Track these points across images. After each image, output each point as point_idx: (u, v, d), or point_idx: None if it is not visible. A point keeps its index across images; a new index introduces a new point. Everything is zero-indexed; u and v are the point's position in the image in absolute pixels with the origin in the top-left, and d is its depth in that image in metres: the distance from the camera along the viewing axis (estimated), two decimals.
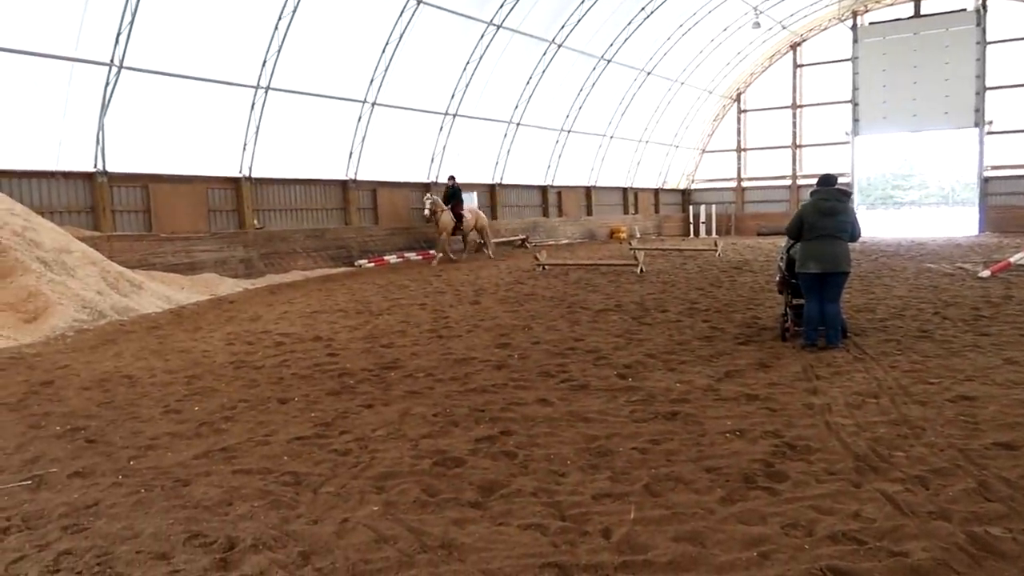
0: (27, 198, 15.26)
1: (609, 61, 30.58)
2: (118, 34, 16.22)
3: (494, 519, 4.08)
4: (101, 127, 16.65)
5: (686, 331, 9.68)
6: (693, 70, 35.84)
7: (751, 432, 5.36)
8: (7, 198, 13.37)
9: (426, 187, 26.38)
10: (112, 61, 16.35)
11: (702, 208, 40.81)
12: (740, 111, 41.32)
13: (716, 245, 23.97)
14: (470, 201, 28.76)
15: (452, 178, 22.67)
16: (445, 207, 21.62)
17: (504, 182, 30.26)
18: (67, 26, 15.59)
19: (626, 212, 38.76)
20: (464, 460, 4.98)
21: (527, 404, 6.33)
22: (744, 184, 41.63)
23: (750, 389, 6.57)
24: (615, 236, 36.45)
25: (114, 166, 17.11)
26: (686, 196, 43.43)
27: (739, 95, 41.06)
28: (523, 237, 30.14)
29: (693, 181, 43.41)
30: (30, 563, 3.68)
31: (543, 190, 32.90)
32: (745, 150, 41.48)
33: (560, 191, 33.79)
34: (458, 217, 21.82)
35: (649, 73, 33.36)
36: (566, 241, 33.06)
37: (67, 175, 16.51)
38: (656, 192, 41.25)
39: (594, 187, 35.91)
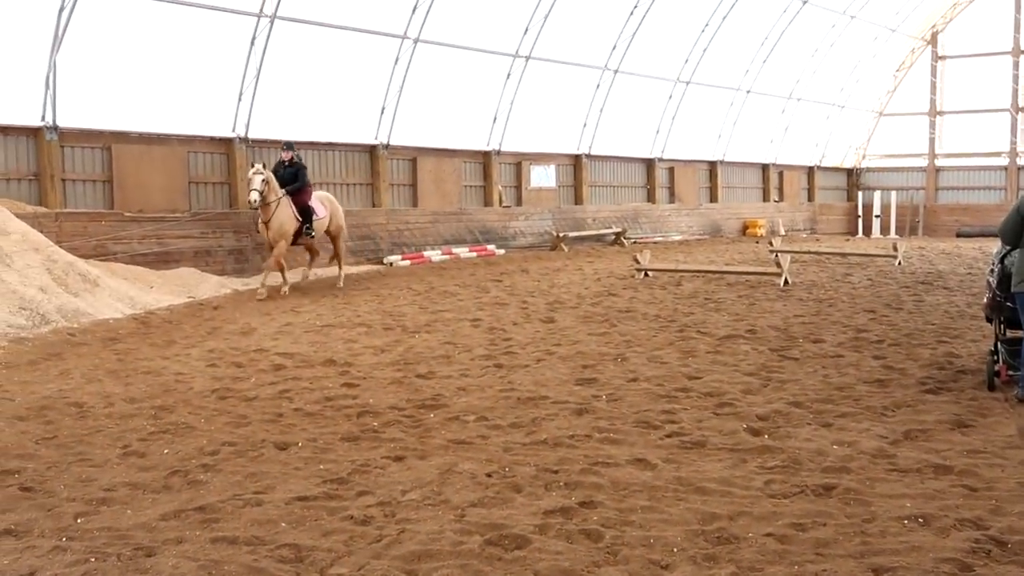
0: None
1: None
2: None
3: None
4: (52, 67, 17.31)
5: (849, 371, 9.51)
6: None
7: (940, 519, 5.23)
8: None
9: (485, 156, 26.62)
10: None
11: (876, 196, 39.95)
12: (936, 58, 40.44)
13: (896, 249, 23.48)
14: (546, 178, 28.95)
15: (290, 146, 17.70)
16: (280, 194, 16.55)
17: (594, 152, 30.23)
18: None
19: (766, 199, 38.33)
20: (528, 540, 4.99)
21: (618, 465, 6.31)
22: (939, 163, 40.71)
23: (940, 457, 6.41)
24: (750, 232, 36.08)
25: (67, 121, 17.78)
26: (853, 178, 42.71)
27: (935, 35, 40.19)
28: (618, 231, 30.08)
29: (864, 157, 42.68)
30: None
31: (649, 165, 32.77)
32: (941, 113, 40.59)
33: (672, 167, 33.61)
34: (304, 212, 16.89)
35: (805, 2, 32.90)
36: (679, 237, 32.87)
37: (4, 130, 17.21)
38: (810, 171, 40.68)
39: (721, 162, 35.61)
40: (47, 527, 5.23)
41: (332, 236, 18.23)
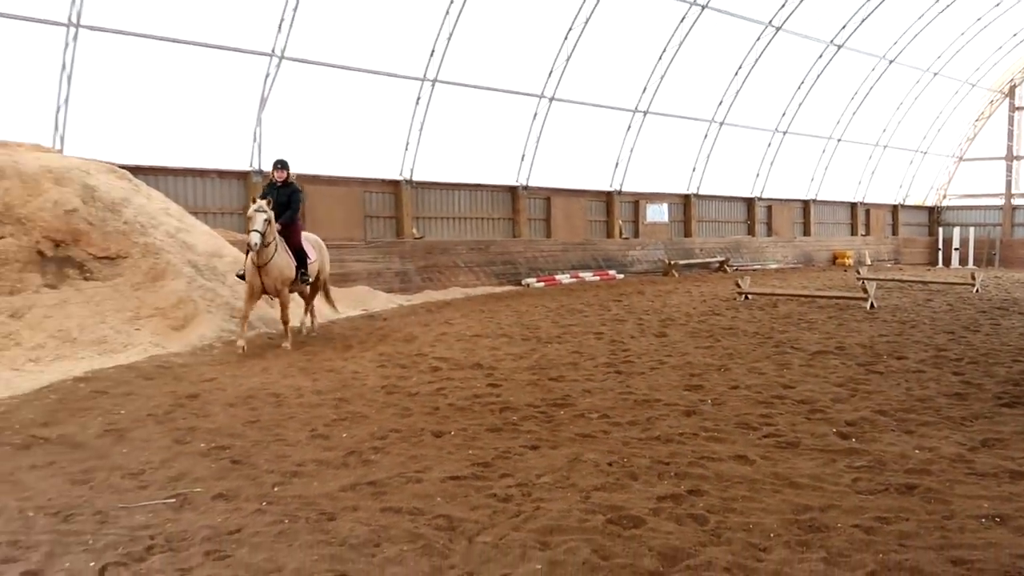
0: (181, 197, 16.93)
1: (840, 46, 29.51)
2: (280, 22, 17.67)
3: None
4: (259, 123, 18.19)
5: (930, 385, 9.08)
6: (950, 57, 33.79)
7: (1016, 520, 4.94)
8: (162, 196, 14.88)
9: (608, 196, 26.61)
10: (273, 51, 17.83)
11: (955, 231, 38.11)
12: (1013, 108, 38.42)
13: (974, 279, 22.32)
14: (659, 214, 28.75)
15: (284, 164, 12.25)
16: (276, 233, 11.73)
17: (701, 192, 29.88)
18: (228, 15, 17.18)
19: (854, 233, 37.07)
20: (643, 520, 4.95)
21: (721, 460, 6.20)
22: (1015, 202, 38.56)
23: (1016, 464, 6.06)
24: (839, 262, 34.95)
25: (269, 166, 18.60)
26: (934, 215, 40.88)
27: (1013, 88, 38.19)
28: (722, 259, 29.61)
29: (945, 196, 40.81)
30: None
31: (749, 203, 32.18)
32: (1019, 158, 38.50)
33: (770, 205, 32.91)
34: (298, 255, 12.21)
35: (891, 61, 31.81)
36: (775, 265, 32.07)
37: (222, 174, 18.15)
38: (894, 209, 39.16)
39: (813, 201, 34.66)
40: (251, 493, 5.46)
41: (321, 283, 13.51)
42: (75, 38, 15.49)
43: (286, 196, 12.00)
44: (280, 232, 11.73)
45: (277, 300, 12.10)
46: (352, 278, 19.16)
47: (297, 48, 18.07)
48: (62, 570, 4.26)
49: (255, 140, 18.31)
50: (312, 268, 12.63)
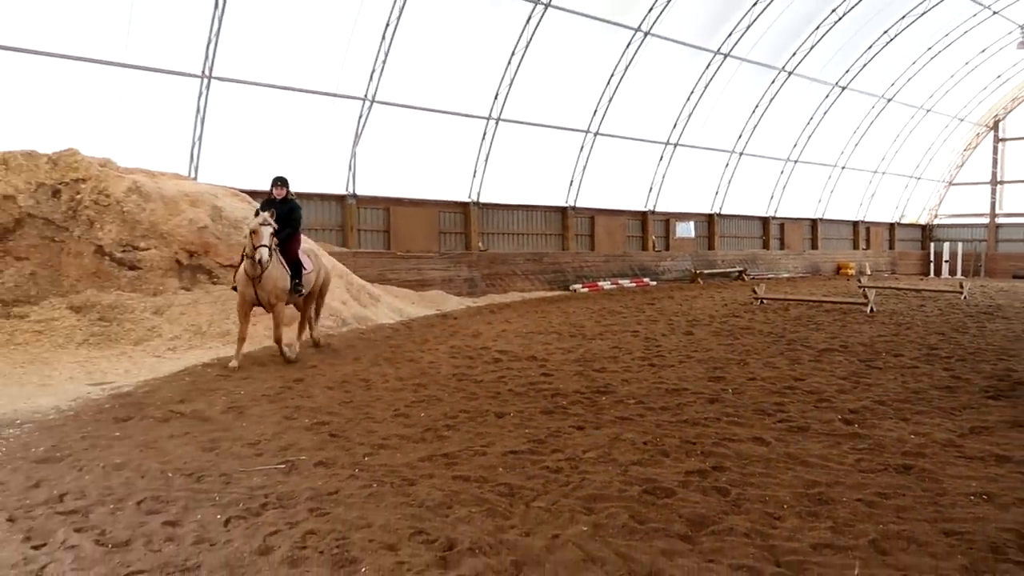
0: None
1: (844, 88, 28.83)
2: (372, 72, 17.92)
3: (704, 555, 3.96)
4: (353, 155, 18.47)
5: (923, 379, 8.79)
6: (941, 96, 32.81)
7: (1001, 497, 4.74)
8: None
9: (643, 215, 26.37)
10: (366, 95, 18.09)
11: (946, 246, 36.97)
12: (997, 140, 37.12)
13: (961, 287, 21.56)
14: (687, 231, 28.39)
15: (283, 181, 10.22)
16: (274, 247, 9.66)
17: (723, 212, 29.44)
18: (328, 66, 17.50)
19: (856, 247, 36.14)
20: (674, 491, 4.88)
21: (741, 441, 6.08)
22: (999, 220, 37.17)
23: (1001, 449, 5.82)
24: (843, 272, 34.08)
25: (361, 190, 18.87)
26: (926, 232, 39.66)
27: (996, 123, 36.90)
28: (740, 269, 29.10)
29: (936, 216, 39.56)
30: (282, 538, 4.14)
31: (764, 221, 31.61)
32: (1002, 183, 37.10)
33: (783, 223, 32.27)
34: (292, 266, 10.13)
35: (889, 100, 31.00)
36: (787, 275, 31.40)
37: (323, 197, 18.47)
38: (891, 227, 38.09)
39: (821, 220, 33.89)
40: (346, 461, 5.53)
41: (318, 296, 11.10)
42: (207, 87, 15.91)
43: (286, 212, 10.03)
44: (278, 246, 9.77)
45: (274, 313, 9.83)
46: (429, 283, 19.31)
47: (385, 92, 18.30)
48: (195, 521, 4.37)
49: (350, 169, 18.58)
50: (308, 279, 10.40)
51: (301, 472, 5.27)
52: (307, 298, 10.70)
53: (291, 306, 10.39)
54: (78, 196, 12.14)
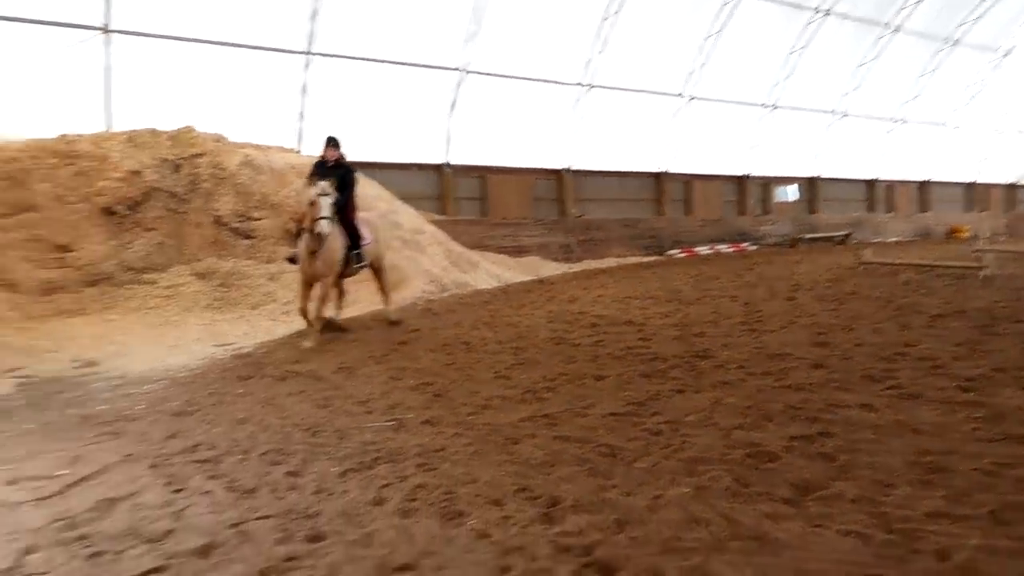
0: (390, 186, 17.64)
1: (956, 43, 26.87)
2: (465, 42, 17.98)
3: (810, 519, 3.87)
4: (448, 126, 18.64)
5: None
6: None
7: None
8: (376, 185, 15.56)
9: (740, 180, 25.59)
10: (460, 66, 18.18)
11: None
12: None
13: None
14: (785, 195, 27.38)
15: (336, 143, 9.53)
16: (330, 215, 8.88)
17: (825, 175, 28.20)
18: (424, 36, 17.66)
19: (969, 210, 33.93)
20: (778, 456, 4.76)
21: (848, 407, 5.85)
22: None
23: None
24: (955, 235, 32.11)
25: (456, 159, 19.06)
26: None
27: None
28: (845, 233, 27.87)
29: None
30: (394, 490, 4.31)
31: (870, 184, 30.14)
32: None
33: (890, 185, 30.64)
34: (352, 236, 9.49)
35: (1006, 54, 28.68)
36: (895, 239, 29.86)
37: (421, 167, 18.80)
38: (1010, 187, 35.51)
39: (930, 181, 31.94)
40: (450, 420, 5.67)
41: (374, 268, 10.36)
42: (308, 64, 16.36)
43: (340, 177, 9.12)
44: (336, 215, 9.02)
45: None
46: (525, 250, 19.41)
47: (478, 62, 18.34)
48: (313, 472, 4.60)
49: (446, 139, 18.79)
50: (368, 250, 9.70)
51: (409, 430, 5.45)
52: (377, 271, 10.19)
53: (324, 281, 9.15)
54: (196, 170, 12.79)
